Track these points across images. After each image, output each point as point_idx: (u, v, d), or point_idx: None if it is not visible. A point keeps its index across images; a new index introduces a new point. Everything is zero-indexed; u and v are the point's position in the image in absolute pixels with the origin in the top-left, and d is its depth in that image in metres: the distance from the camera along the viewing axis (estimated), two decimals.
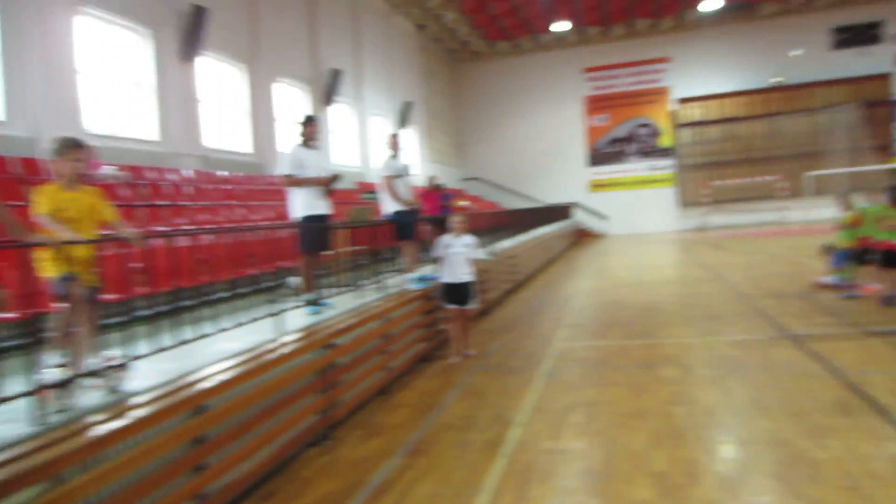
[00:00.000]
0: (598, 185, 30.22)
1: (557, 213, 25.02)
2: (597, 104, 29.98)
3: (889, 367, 5.95)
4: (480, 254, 7.68)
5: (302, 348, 5.02)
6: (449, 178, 27.83)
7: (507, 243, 13.73)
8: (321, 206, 6.71)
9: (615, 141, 29.96)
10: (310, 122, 6.83)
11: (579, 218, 29.61)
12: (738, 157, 28.42)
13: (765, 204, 27.74)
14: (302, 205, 6.65)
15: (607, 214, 29.88)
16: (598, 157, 30.23)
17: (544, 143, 30.59)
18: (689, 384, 5.90)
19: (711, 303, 10.01)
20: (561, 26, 26.80)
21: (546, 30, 27.41)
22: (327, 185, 6.79)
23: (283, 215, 8.92)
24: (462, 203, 19.88)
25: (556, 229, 22.27)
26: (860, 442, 4.27)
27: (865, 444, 4.23)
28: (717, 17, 27.12)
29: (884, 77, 27.29)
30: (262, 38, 14.75)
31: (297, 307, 6.18)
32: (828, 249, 10.42)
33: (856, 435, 4.39)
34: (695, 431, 4.74)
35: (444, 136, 29.39)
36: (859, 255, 9.11)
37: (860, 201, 9.59)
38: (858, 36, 27.59)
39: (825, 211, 20.17)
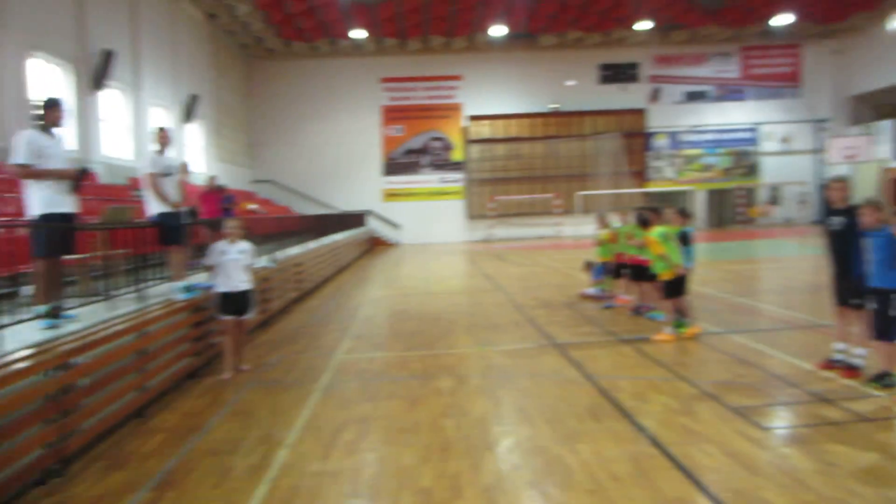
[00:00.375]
0: (392, 195, 30.71)
1: (351, 220, 24.91)
2: (393, 115, 30.50)
3: (634, 371, 6.61)
4: (259, 260, 7.20)
5: (27, 369, 4.23)
6: (239, 180, 26.37)
7: (294, 250, 13.23)
8: (64, 204, 5.79)
9: (410, 152, 30.73)
10: (53, 106, 5.89)
11: (373, 226, 29.82)
12: (521, 175, 30.71)
13: (543, 219, 30.28)
14: (40, 201, 5.68)
15: (400, 224, 30.50)
16: (394, 166, 30.76)
17: (341, 149, 30.37)
18: (463, 395, 6.03)
19: (490, 312, 10.50)
20: (359, 34, 26.82)
21: (345, 35, 27.24)
22: (74, 179, 5.88)
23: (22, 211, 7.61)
24: (251, 207, 18.88)
25: (349, 237, 22.13)
26: (606, 445, 4.62)
27: (611, 446, 4.59)
28: (505, 43, 29.10)
29: (640, 111, 31.34)
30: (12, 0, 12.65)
31: (29, 320, 5.25)
32: (589, 264, 11.51)
33: (603, 438, 4.76)
34: (463, 443, 4.81)
35: (236, 134, 27.83)
36: (615, 269, 10.16)
37: (615, 220, 10.71)
38: (620, 74, 31.39)
39: (591, 228, 22.48)
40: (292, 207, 27.67)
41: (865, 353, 6.05)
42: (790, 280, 13.02)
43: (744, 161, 31.85)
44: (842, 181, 6.07)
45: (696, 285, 11.30)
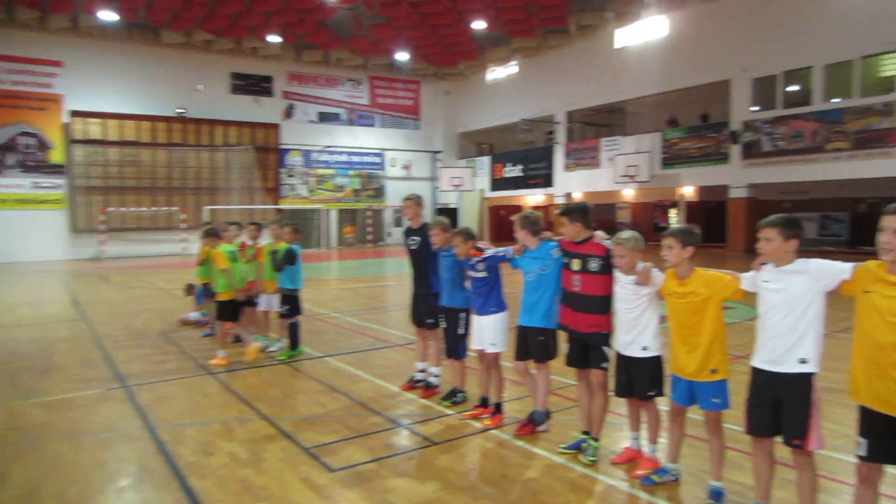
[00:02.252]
0: None
1: None
2: None
3: (209, 413, 5.68)
4: None
5: None
6: None
7: None
8: None
9: None
10: None
11: None
12: (141, 185, 27.36)
13: (167, 234, 27.41)
14: None
15: None
16: None
17: None
18: None
19: (56, 350, 8.47)
20: None
21: None
22: None
23: None
24: None
25: None
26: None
27: None
28: (120, 33, 25.63)
29: (274, 126, 30.83)
30: None
31: None
32: (191, 287, 10.24)
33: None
34: None
35: None
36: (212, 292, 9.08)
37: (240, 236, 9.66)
38: (253, 86, 30.49)
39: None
40: None
41: (439, 372, 6.18)
42: (400, 297, 13.66)
43: (372, 184, 33.86)
44: (412, 199, 6.08)
45: (311, 304, 10.98)
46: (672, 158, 24.24)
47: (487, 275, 5.15)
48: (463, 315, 5.57)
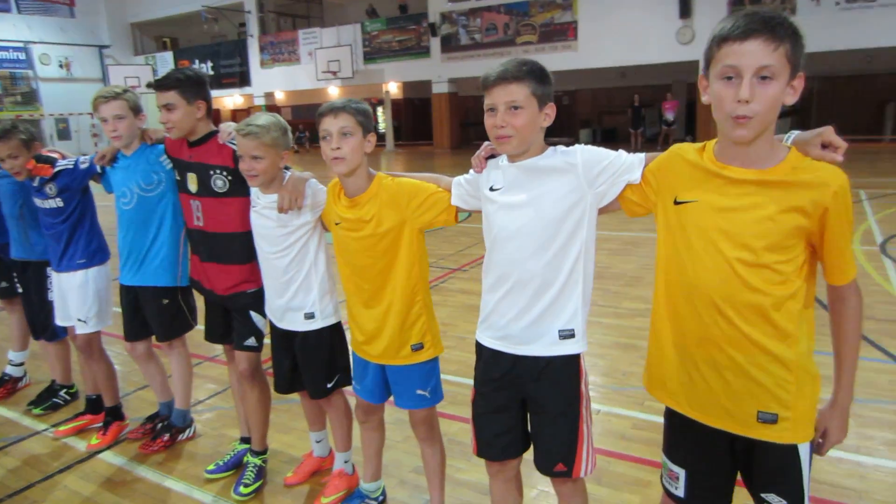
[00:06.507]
0: None
1: None
2: None
3: None
4: None
5: None
6: None
7: None
8: None
9: None
10: None
11: None
12: None
13: None
14: None
15: None
16: None
17: None
18: None
19: None
20: None
21: None
22: None
23: None
24: None
25: None
26: None
27: None
28: None
29: None
30: None
31: None
32: None
33: None
34: None
35: None
36: None
37: None
38: None
39: None
40: None
41: (23, 359, 4.07)
42: None
43: (17, 87, 26.82)
44: None
45: None
46: (374, 53, 22.94)
47: (65, 204, 3.10)
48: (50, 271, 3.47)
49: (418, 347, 2.17)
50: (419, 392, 2.20)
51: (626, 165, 1.69)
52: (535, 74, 1.67)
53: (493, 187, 1.81)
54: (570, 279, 1.74)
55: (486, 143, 1.86)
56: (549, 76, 1.71)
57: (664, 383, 1.64)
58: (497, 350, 1.83)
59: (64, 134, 28.04)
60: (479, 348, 1.90)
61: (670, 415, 1.67)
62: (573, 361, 1.78)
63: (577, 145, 1.72)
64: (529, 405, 1.84)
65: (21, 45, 26.74)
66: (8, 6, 26.67)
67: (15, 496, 2.87)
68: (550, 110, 1.71)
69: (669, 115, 17.90)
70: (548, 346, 1.75)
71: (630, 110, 18.59)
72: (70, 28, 28.41)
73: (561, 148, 1.75)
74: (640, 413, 3.29)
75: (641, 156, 1.69)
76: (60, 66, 28.04)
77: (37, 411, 3.66)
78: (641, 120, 18.44)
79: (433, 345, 2.21)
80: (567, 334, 1.75)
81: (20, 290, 3.62)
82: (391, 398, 2.33)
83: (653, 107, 19.31)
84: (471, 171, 1.95)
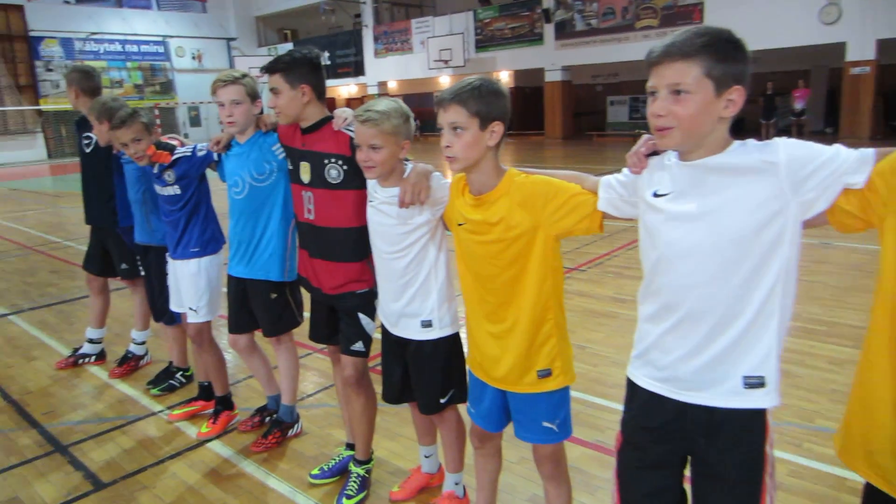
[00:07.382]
0: None
1: None
2: None
3: None
4: None
5: None
6: None
7: None
8: None
9: None
10: None
11: None
12: None
13: None
14: None
15: None
16: None
17: None
18: None
19: None
20: None
21: None
22: None
23: None
24: None
25: None
26: None
27: None
28: None
29: (18, 8, 24.56)
30: None
31: None
32: None
33: None
34: None
35: None
36: None
37: None
38: None
39: None
40: None
41: (145, 338, 4.19)
42: None
43: (157, 78, 28.86)
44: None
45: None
46: (486, 41, 22.65)
47: (182, 191, 3.07)
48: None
49: (545, 374, 1.84)
50: (545, 424, 1.88)
51: (847, 164, 1.28)
52: (713, 49, 1.29)
53: (659, 192, 1.44)
54: (763, 312, 1.35)
55: (645, 135, 1.51)
56: (740, 50, 1.31)
57: (870, 454, 1.27)
58: (657, 394, 1.48)
59: (195, 121, 29.95)
60: (632, 387, 1.56)
61: (871, 492, 1.29)
62: (759, 417, 1.39)
63: (777, 138, 1.32)
64: (694, 464, 1.48)
65: (160, 39, 28.74)
66: (149, 4, 28.72)
67: (127, 479, 2.88)
68: (736, 95, 1.31)
69: (798, 105, 16.38)
70: (727, 396, 1.38)
71: (761, 99, 17.18)
72: (202, 23, 30.21)
73: (753, 142, 1.35)
74: (798, 457, 2.77)
75: (869, 152, 1.28)
76: (193, 57, 29.91)
77: (154, 391, 3.73)
78: (774, 110, 16.98)
79: (563, 371, 1.87)
80: (755, 382, 1.36)
81: (142, 273, 3.69)
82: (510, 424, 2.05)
83: (787, 95, 17.77)
84: (625, 170, 1.59)
